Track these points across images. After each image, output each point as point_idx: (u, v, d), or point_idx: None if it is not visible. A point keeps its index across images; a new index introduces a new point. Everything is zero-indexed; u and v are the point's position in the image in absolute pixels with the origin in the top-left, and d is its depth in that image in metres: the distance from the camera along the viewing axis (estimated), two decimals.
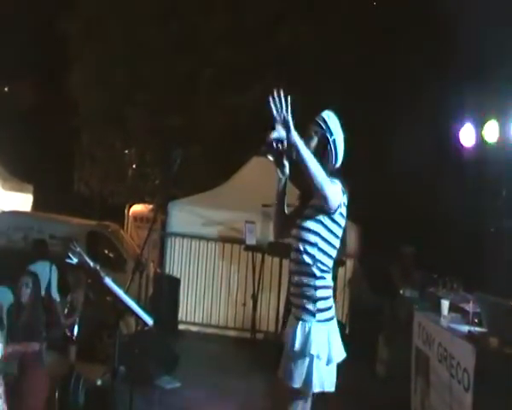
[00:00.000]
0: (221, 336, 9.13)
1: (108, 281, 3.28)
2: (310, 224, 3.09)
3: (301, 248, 3.10)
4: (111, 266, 7.97)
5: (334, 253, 3.13)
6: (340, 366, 3.15)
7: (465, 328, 4.53)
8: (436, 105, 10.11)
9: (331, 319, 3.11)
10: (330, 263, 3.13)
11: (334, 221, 3.09)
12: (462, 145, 7.47)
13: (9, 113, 17.57)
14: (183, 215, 9.37)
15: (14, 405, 4.39)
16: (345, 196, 3.10)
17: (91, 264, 3.26)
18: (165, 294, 8.34)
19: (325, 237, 3.09)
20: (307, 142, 3.08)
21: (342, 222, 3.13)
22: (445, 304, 5.05)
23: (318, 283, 3.07)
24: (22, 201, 13.65)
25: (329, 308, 3.11)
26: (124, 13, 14.59)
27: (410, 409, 5.58)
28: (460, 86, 8.53)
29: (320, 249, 3.08)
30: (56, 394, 4.73)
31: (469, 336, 4.28)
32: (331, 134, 3.14)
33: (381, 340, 7.26)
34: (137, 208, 17.00)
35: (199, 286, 9.40)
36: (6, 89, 20.06)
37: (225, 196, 9.51)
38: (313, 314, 3.05)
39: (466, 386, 4.10)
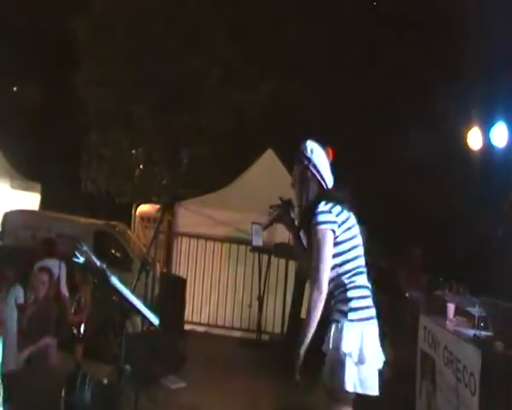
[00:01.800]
0: (227, 336, 9.14)
1: (115, 280, 3.30)
2: None
3: None
4: (117, 265, 7.97)
5: (351, 255, 3.13)
6: None
7: (471, 332, 4.50)
8: (444, 107, 10.08)
9: (367, 319, 3.12)
10: (353, 265, 3.13)
11: (337, 244, 3.11)
12: (469, 148, 7.46)
13: (17, 112, 17.62)
14: (190, 216, 9.39)
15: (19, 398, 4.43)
16: (340, 215, 3.11)
17: (98, 263, 3.28)
18: (171, 294, 8.34)
19: (336, 262, 3.11)
20: (293, 183, 3.29)
21: (350, 233, 3.14)
22: (451, 307, 5.04)
23: (349, 285, 3.10)
24: (30, 200, 13.66)
25: (365, 308, 3.12)
26: (132, 12, 14.62)
27: None
28: (468, 89, 8.52)
29: (336, 268, 3.10)
30: (63, 392, 4.75)
31: (475, 340, 4.26)
32: (309, 161, 3.21)
33: (386, 342, 7.23)
34: (144, 208, 17.01)
35: (205, 287, 9.40)
36: (14, 88, 20.13)
37: (232, 197, 9.52)
38: (345, 314, 3.06)
39: (472, 390, 4.09)
